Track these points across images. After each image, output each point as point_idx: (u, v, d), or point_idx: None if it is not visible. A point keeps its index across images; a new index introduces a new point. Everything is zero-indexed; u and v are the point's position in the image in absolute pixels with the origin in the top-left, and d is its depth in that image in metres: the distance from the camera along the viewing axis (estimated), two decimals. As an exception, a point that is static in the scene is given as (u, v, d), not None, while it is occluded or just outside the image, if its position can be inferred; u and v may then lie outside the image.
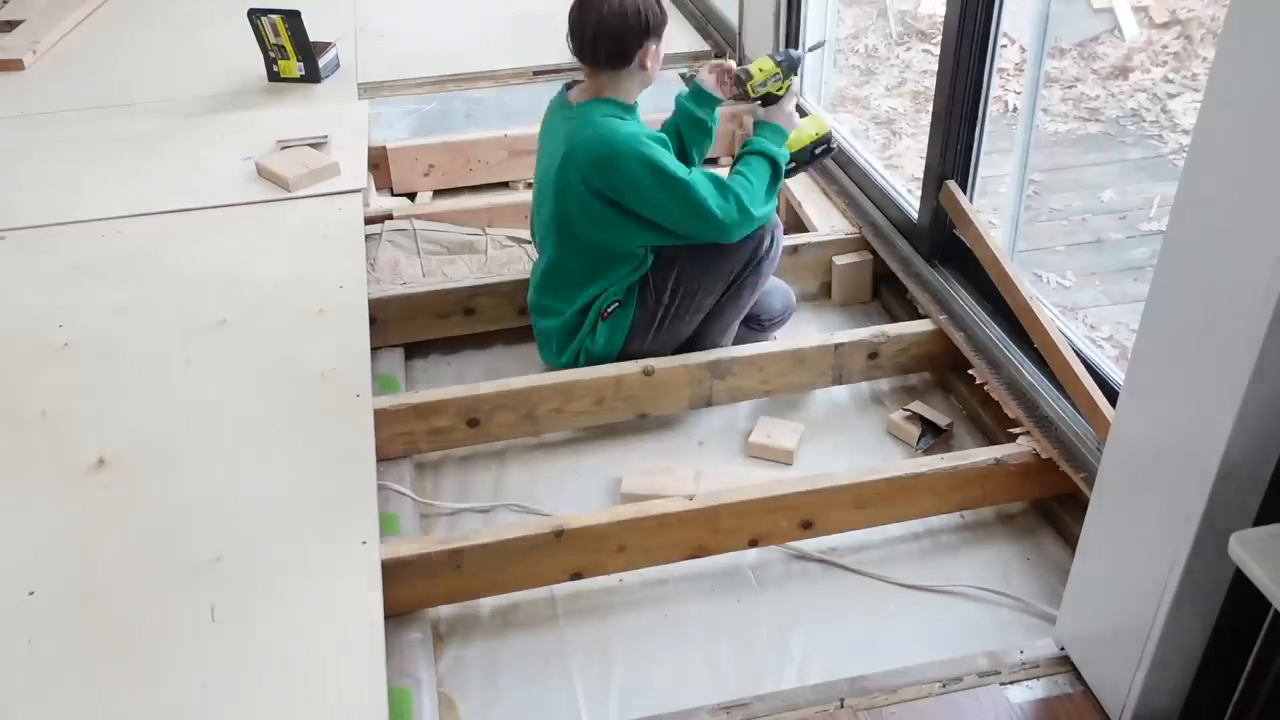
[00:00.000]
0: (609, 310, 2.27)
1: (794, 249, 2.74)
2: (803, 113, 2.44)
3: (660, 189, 2.12)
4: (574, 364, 2.35)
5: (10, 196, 2.92)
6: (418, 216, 2.98)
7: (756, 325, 2.50)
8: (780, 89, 2.22)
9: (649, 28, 2.15)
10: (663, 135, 2.23)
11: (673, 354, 2.36)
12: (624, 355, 2.32)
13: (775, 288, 2.50)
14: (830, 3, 3.27)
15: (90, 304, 2.43)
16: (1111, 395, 1.91)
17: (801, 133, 2.30)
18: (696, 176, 2.14)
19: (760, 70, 2.24)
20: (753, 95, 2.25)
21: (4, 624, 1.65)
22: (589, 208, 2.18)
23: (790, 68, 2.22)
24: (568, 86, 2.33)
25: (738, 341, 2.43)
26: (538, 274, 2.40)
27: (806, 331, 2.65)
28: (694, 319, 2.33)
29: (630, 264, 2.26)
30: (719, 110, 2.42)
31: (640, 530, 1.92)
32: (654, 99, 3.64)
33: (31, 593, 1.70)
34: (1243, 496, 1.31)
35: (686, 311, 2.30)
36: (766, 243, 2.27)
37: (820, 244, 2.79)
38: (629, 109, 2.24)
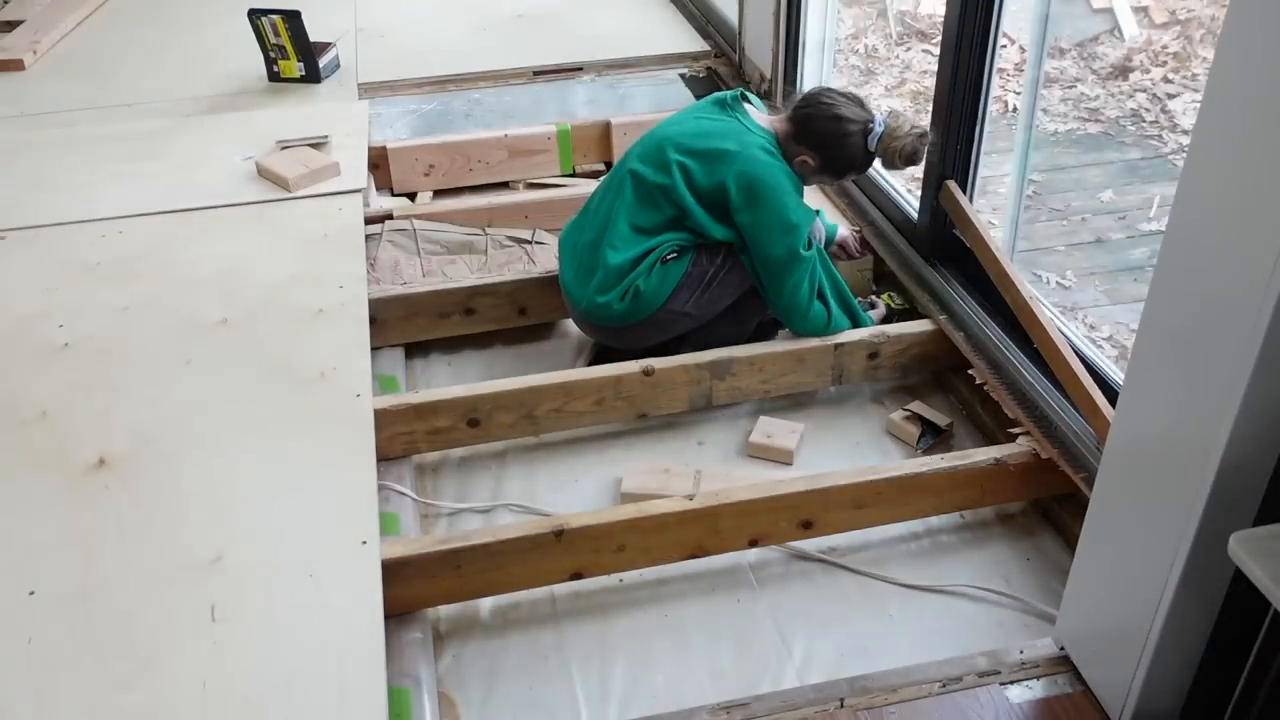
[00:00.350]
0: (668, 257, 2.34)
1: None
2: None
3: (783, 239, 2.28)
4: (619, 304, 2.34)
5: (10, 196, 2.91)
6: (418, 216, 2.98)
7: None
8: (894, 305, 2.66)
9: (840, 157, 2.39)
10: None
11: (674, 354, 2.37)
12: (665, 310, 2.34)
13: None
14: (830, 3, 3.28)
15: (90, 304, 2.43)
16: (1111, 395, 1.91)
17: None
18: (811, 262, 2.32)
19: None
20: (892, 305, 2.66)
21: (4, 623, 1.65)
22: (704, 190, 2.32)
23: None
24: (744, 96, 2.46)
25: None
26: (619, 212, 2.40)
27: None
28: (734, 292, 2.38)
29: (699, 237, 2.36)
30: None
31: (640, 530, 1.92)
32: (655, 98, 3.68)
33: (31, 592, 1.70)
34: (1243, 496, 1.31)
35: (732, 281, 2.36)
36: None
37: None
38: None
